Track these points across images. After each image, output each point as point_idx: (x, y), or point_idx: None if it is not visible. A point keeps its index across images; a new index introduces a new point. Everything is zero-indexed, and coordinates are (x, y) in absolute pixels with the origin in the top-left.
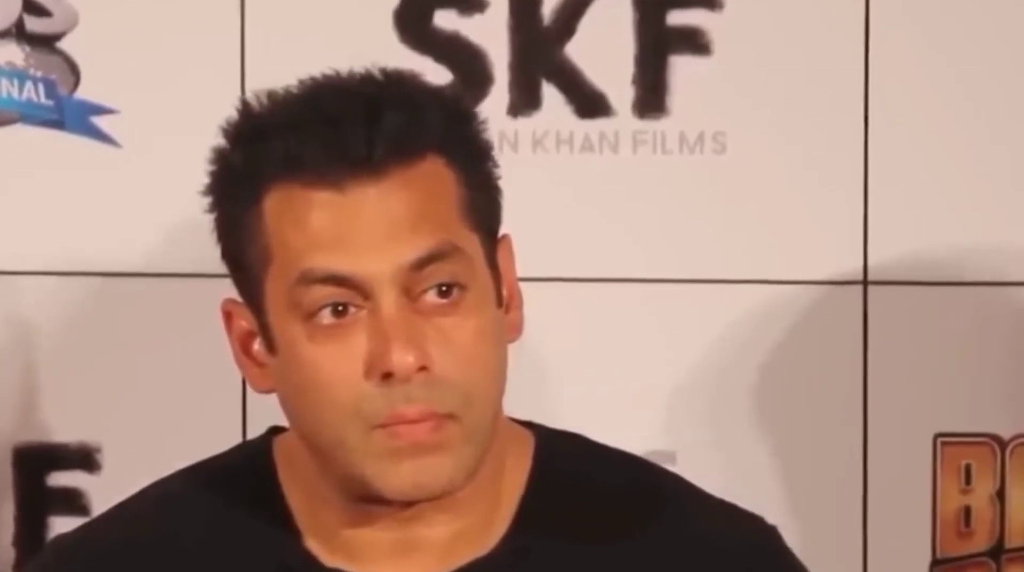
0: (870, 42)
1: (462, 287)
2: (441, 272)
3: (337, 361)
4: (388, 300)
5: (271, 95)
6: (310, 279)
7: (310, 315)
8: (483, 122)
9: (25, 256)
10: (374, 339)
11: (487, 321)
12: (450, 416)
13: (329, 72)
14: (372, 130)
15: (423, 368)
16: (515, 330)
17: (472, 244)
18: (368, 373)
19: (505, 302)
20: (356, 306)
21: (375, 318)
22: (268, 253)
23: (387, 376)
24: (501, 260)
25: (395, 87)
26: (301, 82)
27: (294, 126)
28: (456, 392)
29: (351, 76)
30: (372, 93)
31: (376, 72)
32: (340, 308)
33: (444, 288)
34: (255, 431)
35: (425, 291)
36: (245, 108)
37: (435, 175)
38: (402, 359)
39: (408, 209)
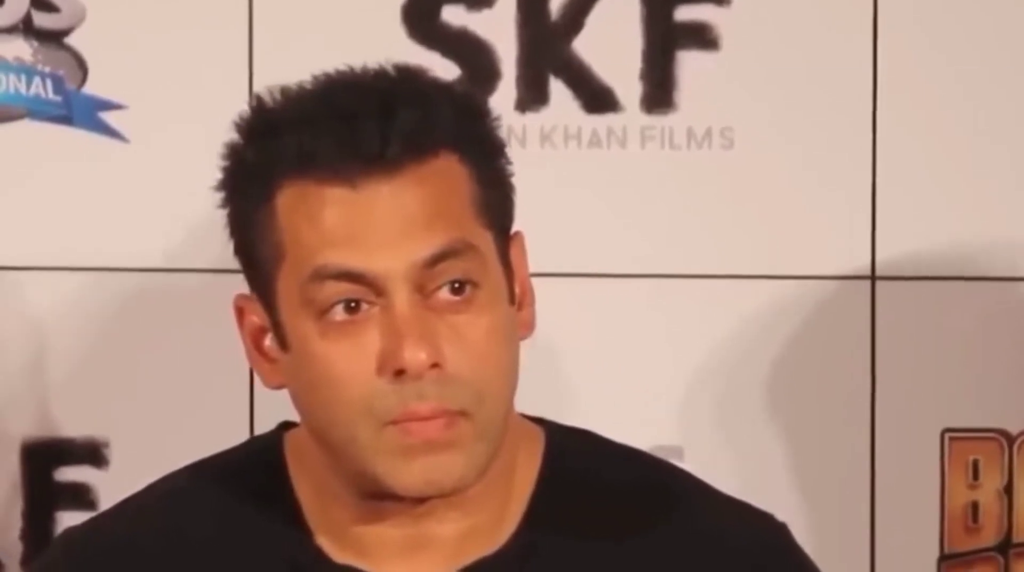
0: (878, 37)
1: (475, 284)
2: (454, 269)
3: (349, 358)
4: (401, 297)
5: (284, 91)
6: (323, 275)
7: (323, 312)
8: (496, 119)
9: (32, 252)
10: (387, 336)
11: (500, 318)
12: (462, 413)
13: (342, 68)
14: (386, 126)
15: (436, 365)
16: (527, 327)
17: (485, 241)
18: (380, 370)
19: (517, 299)
20: (369, 303)
21: (388, 315)
22: (281, 249)
23: (399, 373)
24: (514, 257)
25: (408, 83)
26: (314, 78)
27: (308, 122)
28: (468, 389)
29: (364, 72)
30: (386, 89)
31: (389, 68)
32: (353, 305)
33: (457, 285)
34: (262, 427)
35: (438, 288)
36: (258, 104)
37: (448, 172)
38: (414, 356)
39: (421, 206)
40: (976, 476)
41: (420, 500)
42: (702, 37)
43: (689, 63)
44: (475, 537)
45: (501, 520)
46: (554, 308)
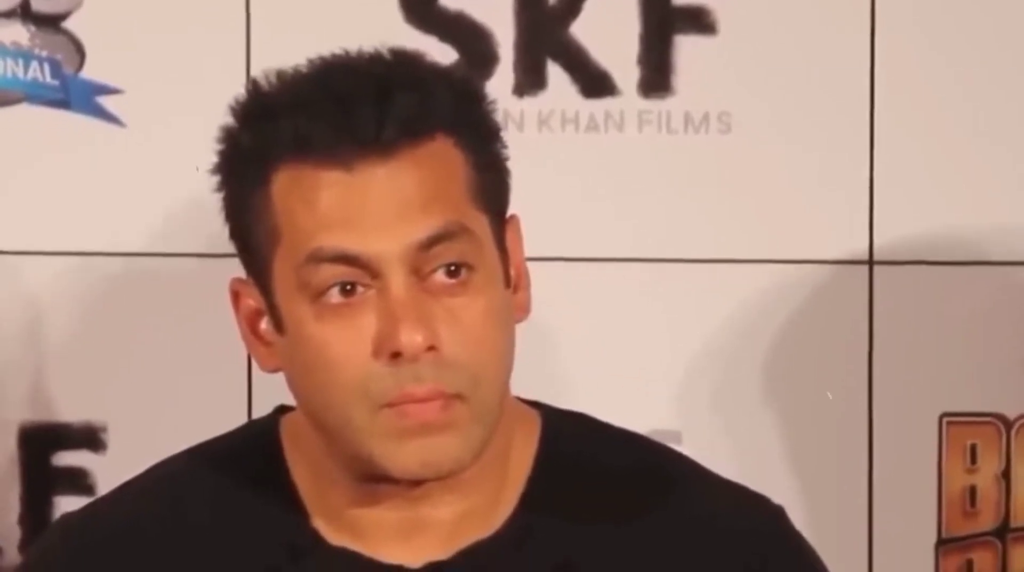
0: (876, 20)
1: (470, 267)
2: (450, 252)
3: (345, 340)
4: (397, 280)
5: (280, 74)
6: (319, 258)
7: (318, 294)
8: (492, 103)
9: (30, 236)
10: (383, 319)
11: (495, 301)
12: (458, 396)
13: (338, 52)
14: (382, 110)
15: (432, 348)
16: (523, 310)
17: (480, 225)
18: (376, 352)
19: (513, 282)
20: (364, 285)
21: (384, 297)
22: (277, 233)
23: (395, 356)
24: (509, 241)
25: (405, 67)
26: (310, 61)
27: (303, 106)
28: (464, 372)
29: (360, 56)
30: (382, 73)
31: (385, 52)
32: (348, 287)
33: (452, 268)
34: (260, 411)
35: (434, 271)
36: (254, 87)
37: (444, 155)
38: (411, 338)
39: (417, 189)
40: (974, 461)
41: (416, 483)
42: (700, 21)
43: (687, 47)
44: (471, 520)
45: (497, 503)
46: (551, 292)
